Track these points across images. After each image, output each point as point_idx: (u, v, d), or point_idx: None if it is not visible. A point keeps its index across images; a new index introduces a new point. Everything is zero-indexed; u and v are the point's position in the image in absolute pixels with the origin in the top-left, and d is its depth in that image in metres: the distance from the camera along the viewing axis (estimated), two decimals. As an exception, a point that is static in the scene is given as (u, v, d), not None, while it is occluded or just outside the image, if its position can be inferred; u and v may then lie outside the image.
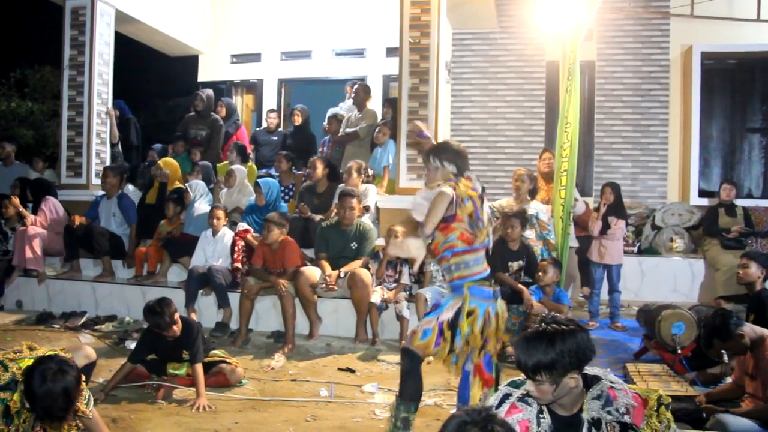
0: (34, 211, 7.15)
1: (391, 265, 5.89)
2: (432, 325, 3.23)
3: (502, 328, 3.31)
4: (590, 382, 2.29)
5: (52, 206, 7.19)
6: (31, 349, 3.06)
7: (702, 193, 8.32)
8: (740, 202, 7.21)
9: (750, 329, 3.62)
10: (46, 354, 2.92)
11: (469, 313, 3.20)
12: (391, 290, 5.76)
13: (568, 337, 2.16)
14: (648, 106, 8.53)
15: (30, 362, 2.84)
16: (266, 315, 6.08)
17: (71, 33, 8.01)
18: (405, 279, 5.83)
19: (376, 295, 5.64)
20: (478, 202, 3.26)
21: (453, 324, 3.20)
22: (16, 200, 7.03)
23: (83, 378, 2.92)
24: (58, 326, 6.18)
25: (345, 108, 8.56)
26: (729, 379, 4.00)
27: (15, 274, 6.87)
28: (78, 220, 6.90)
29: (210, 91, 8.75)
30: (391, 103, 7.85)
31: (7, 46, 15.50)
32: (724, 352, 4.11)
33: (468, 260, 3.26)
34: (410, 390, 3.25)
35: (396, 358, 5.18)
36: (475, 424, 1.61)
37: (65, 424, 2.92)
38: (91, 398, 3.07)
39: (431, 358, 3.91)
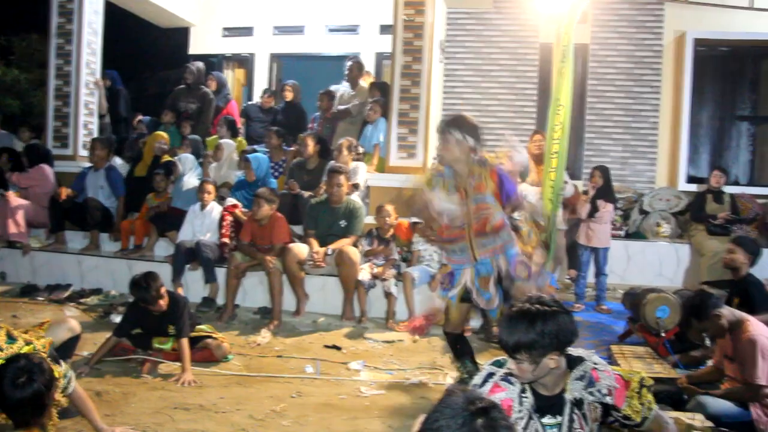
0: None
1: (383, 242, 5.90)
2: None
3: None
4: (573, 362, 2.31)
5: (43, 173, 7.11)
6: (9, 335, 2.83)
7: (690, 179, 8.35)
8: (727, 189, 7.26)
9: (729, 312, 3.65)
10: (16, 353, 2.67)
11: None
12: (379, 267, 5.77)
13: (549, 319, 2.17)
14: (639, 91, 8.51)
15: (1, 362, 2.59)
16: (253, 291, 6.07)
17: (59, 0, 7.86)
18: (394, 255, 5.85)
19: (364, 273, 5.64)
20: None
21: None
22: None
23: (58, 371, 2.78)
24: (42, 299, 6.15)
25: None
26: (710, 362, 4.06)
27: (-2, 246, 6.81)
28: (65, 192, 6.82)
29: (200, 64, 8.62)
30: (377, 86, 7.76)
31: (-8, 14, 15.20)
32: (705, 335, 4.16)
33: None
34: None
35: (382, 335, 5.22)
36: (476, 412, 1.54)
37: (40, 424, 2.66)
38: (72, 381, 2.98)
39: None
